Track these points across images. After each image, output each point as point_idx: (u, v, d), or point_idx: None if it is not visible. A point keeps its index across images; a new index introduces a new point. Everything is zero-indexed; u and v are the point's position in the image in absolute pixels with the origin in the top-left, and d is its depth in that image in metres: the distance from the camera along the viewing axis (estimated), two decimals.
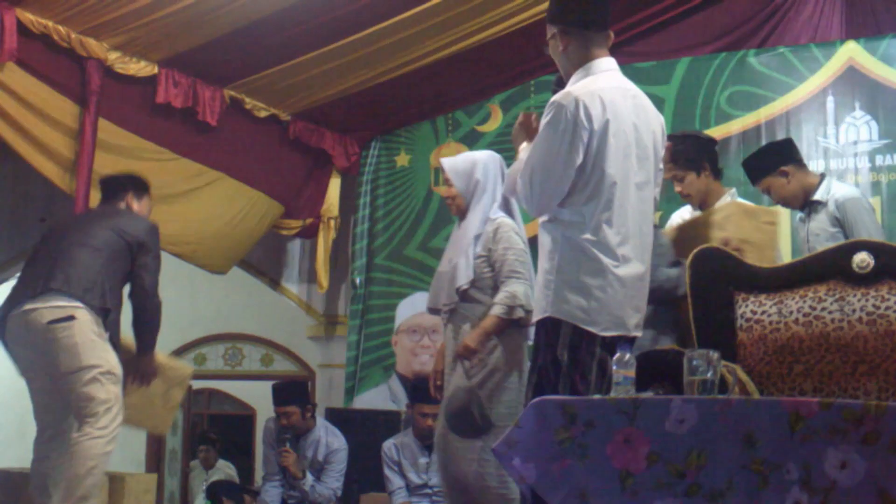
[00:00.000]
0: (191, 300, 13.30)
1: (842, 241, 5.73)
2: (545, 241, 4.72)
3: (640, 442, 3.85)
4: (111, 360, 5.89)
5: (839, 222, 6.55)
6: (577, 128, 4.57)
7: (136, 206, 6.56)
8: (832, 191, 6.64)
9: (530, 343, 5.87)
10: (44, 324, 5.83)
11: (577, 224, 4.61)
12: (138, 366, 6.23)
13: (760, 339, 4.78)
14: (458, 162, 6.31)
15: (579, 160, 4.58)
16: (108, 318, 5.95)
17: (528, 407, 4.07)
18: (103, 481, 5.92)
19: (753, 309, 4.85)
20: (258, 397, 15.13)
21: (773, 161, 6.73)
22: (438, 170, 9.75)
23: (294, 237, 10.14)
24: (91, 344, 5.83)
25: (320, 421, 8.60)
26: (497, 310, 5.92)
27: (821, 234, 6.57)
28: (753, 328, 4.81)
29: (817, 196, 6.64)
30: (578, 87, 4.68)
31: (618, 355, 4.15)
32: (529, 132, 4.94)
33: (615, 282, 4.58)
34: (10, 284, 11.31)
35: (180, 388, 6.60)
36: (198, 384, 15.06)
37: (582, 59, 4.77)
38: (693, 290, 5.10)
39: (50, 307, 5.86)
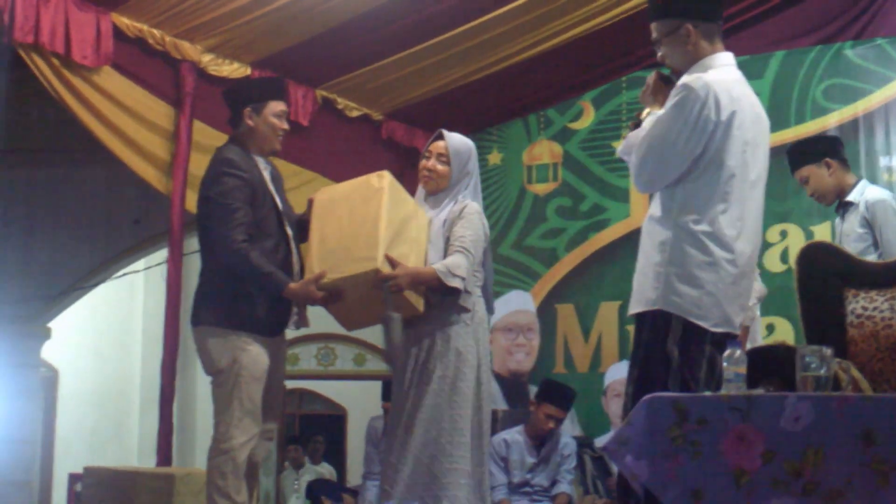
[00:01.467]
0: None
1: None
2: (655, 232, 4.59)
3: (755, 439, 3.78)
4: (241, 359, 5.52)
5: (868, 223, 6.57)
6: (704, 116, 4.49)
7: (253, 121, 5.74)
8: (864, 193, 6.66)
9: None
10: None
11: (693, 214, 4.50)
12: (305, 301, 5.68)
13: (872, 335, 4.69)
14: (459, 143, 5.94)
15: (698, 150, 4.50)
16: (226, 313, 5.56)
17: (639, 404, 4.01)
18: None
19: (864, 305, 4.77)
20: (350, 397, 15.21)
21: (821, 150, 6.86)
22: (531, 167, 9.75)
23: None
24: (217, 346, 5.54)
25: None
26: (438, 267, 5.59)
27: (850, 235, 6.66)
28: (864, 325, 4.73)
29: (850, 197, 6.70)
30: (710, 74, 4.58)
31: (728, 352, 4.09)
32: (659, 98, 4.79)
33: (727, 277, 4.48)
34: (107, 286, 11.56)
35: (376, 287, 5.56)
36: (290, 384, 15.12)
37: (706, 53, 4.68)
38: (801, 286, 5.03)
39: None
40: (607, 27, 8.59)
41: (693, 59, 4.66)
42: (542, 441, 7.94)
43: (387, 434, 5.94)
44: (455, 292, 5.65)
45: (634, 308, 4.66)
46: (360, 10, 7.74)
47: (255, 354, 5.57)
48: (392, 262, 5.51)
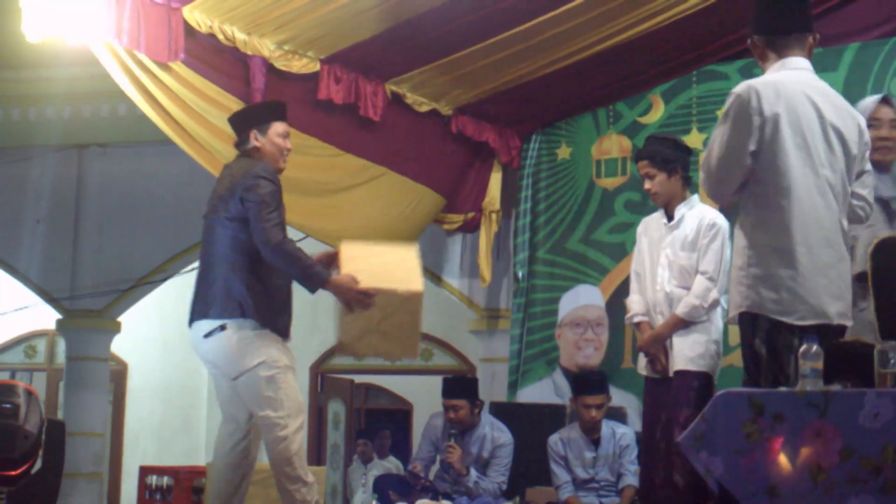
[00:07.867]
0: None
1: None
2: (737, 237, 4.77)
3: (832, 436, 3.75)
4: (272, 354, 5.83)
5: None
6: (750, 116, 4.65)
7: (259, 141, 6.11)
8: None
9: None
10: (202, 338, 5.92)
11: (762, 216, 4.64)
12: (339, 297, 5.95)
13: None
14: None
15: (752, 147, 4.65)
16: (255, 307, 5.83)
17: (713, 399, 4.00)
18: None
19: None
20: (416, 392, 15.28)
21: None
22: (600, 161, 9.71)
23: (455, 231, 10.15)
24: (247, 346, 5.81)
25: (485, 417, 8.58)
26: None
27: None
28: None
29: None
30: (759, 78, 4.80)
31: (804, 347, 4.06)
32: None
33: (806, 271, 4.52)
34: (175, 281, 11.63)
35: (407, 313, 5.98)
36: (357, 379, 15.19)
37: (773, 61, 4.89)
38: (875, 281, 4.97)
39: (201, 327, 5.94)
40: (678, 21, 8.51)
41: (764, 68, 4.93)
42: (596, 434, 7.92)
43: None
44: None
45: (731, 312, 4.84)
46: (429, 5, 7.73)
47: (280, 348, 5.92)
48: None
